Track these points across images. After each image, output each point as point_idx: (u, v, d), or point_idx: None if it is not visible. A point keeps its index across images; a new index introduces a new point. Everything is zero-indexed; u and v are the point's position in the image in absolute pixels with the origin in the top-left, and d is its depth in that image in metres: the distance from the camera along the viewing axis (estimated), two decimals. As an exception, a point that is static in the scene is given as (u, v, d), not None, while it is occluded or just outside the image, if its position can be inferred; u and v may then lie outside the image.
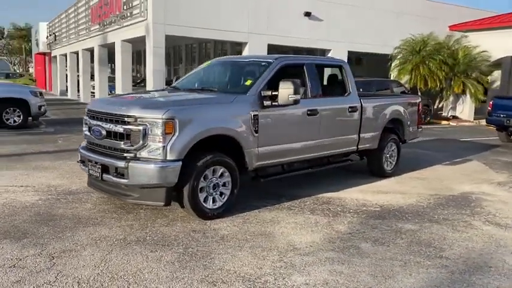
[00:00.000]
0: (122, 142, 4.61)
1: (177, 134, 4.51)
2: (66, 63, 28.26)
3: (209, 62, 6.73)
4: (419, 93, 17.81)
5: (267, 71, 5.53)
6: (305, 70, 5.99)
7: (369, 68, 22.90)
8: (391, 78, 18.80)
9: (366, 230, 4.83)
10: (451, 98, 19.69)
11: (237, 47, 19.00)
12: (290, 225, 4.89)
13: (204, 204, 4.85)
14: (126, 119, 4.59)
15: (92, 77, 23.16)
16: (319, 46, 17.64)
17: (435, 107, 19.37)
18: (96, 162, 4.85)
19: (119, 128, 4.63)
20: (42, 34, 33.10)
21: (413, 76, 17.72)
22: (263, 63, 5.75)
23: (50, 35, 30.69)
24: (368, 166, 7.57)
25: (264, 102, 5.27)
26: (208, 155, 4.81)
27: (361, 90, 14.73)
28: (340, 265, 3.86)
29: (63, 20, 27.41)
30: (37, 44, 35.87)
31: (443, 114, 20.15)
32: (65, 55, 28.21)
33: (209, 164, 4.81)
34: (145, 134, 4.49)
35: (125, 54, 16.82)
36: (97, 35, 20.06)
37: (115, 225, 4.66)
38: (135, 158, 4.55)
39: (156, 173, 4.46)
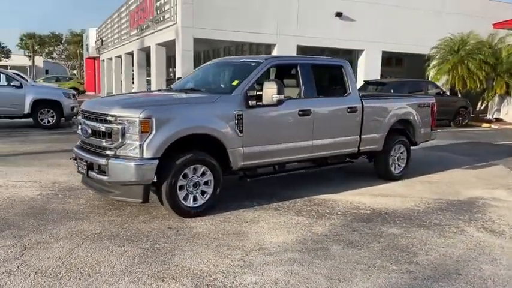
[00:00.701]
0: (104, 140, 4.79)
1: (153, 132, 4.63)
2: (112, 67, 29.48)
3: (208, 63, 6.83)
4: (459, 95, 17.11)
5: (255, 71, 5.55)
6: (299, 70, 5.95)
7: (410, 68, 22.26)
8: (429, 79, 18.15)
9: (345, 232, 4.73)
10: (496, 100, 18.73)
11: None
12: (269, 225, 4.87)
13: (184, 202, 4.93)
14: (107, 118, 4.76)
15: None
16: (351, 47, 17.38)
17: (477, 108, 18.49)
18: (83, 160, 5.06)
19: (101, 127, 4.81)
20: (91, 39, 34.73)
21: (451, 77, 17.03)
22: (253, 64, 5.76)
23: (98, 40, 32.13)
24: (375, 168, 7.38)
25: (250, 102, 5.29)
26: (188, 153, 4.89)
27: (392, 91, 14.47)
28: (299, 266, 3.81)
29: (108, 26, 28.64)
30: (87, 49, 37.67)
31: (487, 117, 19.21)
32: (111, 59, 29.42)
33: (188, 162, 4.88)
34: (124, 133, 4.64)
35: (159, 57, 17.32)
36: (136, 40, 20.79)
37: (97, 220, 4.84)
38: (115, 156, 4.71)
39: (133, 171, 4.59)
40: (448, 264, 3.99)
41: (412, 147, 7.91)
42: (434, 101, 7.94)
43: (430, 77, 18.22)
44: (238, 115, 5.19)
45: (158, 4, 16.02)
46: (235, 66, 6.26)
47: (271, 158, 5.70)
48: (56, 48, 72.62)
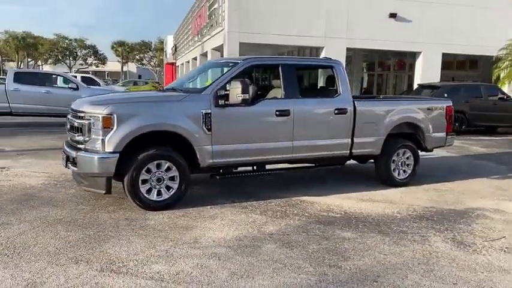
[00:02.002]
0: (77, 135, 5.21)
1: (115, 128, 4.94)
2: (184, 72, 30.97)
3: (203, 64, 7.05)
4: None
5: (229, 72, 5.66)
6: (280, 71, 5.95)
7: (486, 72, 20.71)
8: (495, 82, 16.78)
9: (293, 233, 4.67)
10: None
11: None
12: (223, 221, 4.96)
13: (147, 196, 5.18)
14: (79, 114, 5.18)
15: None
16: (406, 49, 16.67)
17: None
18: (64, 153, 5.53)
19: (75, 123, 5.24)
20: (169, 46, 36.76)
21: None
22: (230, 64, 5.88)
23: (173, 47, 33.94)
24: (376, 173, 7.09)
25: (219, 101, 5.41)
26: (151, 149, 5.14)
27: (445, 95, 13.67)
28: (215, 260, 3.87)
29: (180, 32, 30.15)
30: (165, 55, 39.91)
31: None
32: (183, 64, 30.95)
33: (151, 157, 5.13)
34: (90, 128, 5.02)
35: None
36: (198, 45, 21.71)
37: (69, 208, 5.27)
38: (84, 149, 5.10)
39: (95, 163, 4.95)
40: (373, 270, 3.80)
41: (429, 153, 7.55)
42: (450, 104, 7.41)
43: (495, 80, 16.82)
44: (205, 114, 5.34)
45: (210, 11, 16.63)
46: (218, 66, 6.41)
47: (245, 157, 5.76)
48: (145, 55, 77.66)
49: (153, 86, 31.60)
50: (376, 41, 16.31)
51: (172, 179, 5.31)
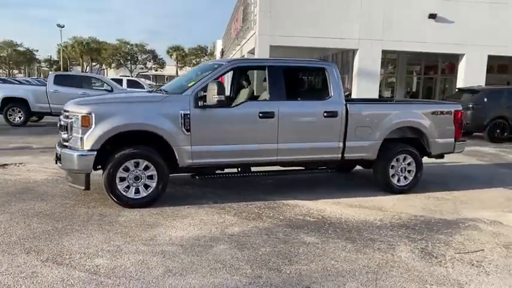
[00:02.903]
0: (63, 133, 5.49)
1: (93, 127, 5.17)
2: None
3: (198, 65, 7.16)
4: None
5: (211, 74, 5.73)
6: (267, 73, 5.94)
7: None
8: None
9: (254, 235, 4.64)
10: None
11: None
12: (192, 221, 5.02)
13: (124, 193, 5.35)
14: (65, 113, 5.46)
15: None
16: (447, 51, 15.91)
17: None
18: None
19: (62, 121, 5.53)
20: (218, 49, 37.53)
21: None
22: (216, 66, 5.94)
23: (221, 50, 34.61)
24: (375, 179, 6.86)
25: (199, 102, 5.50)
26: (129, 148, 5.31)
27: (485, 100, 12.95)
28: (158, 258, 3.94)
29: (227, 36, 30.68)
30: (216, 59, 40.79)
31: None
32: (229, 67, 31.40)
33: (128, 156, 5.30)
34: (72, 126, 5.28)
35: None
36: (238, 49, 21.99)
37: (54, 202, 5.56)
38: (68, 147, 5.37)
39: (74, 160, 5.20)
40: (312, 276, 3.70)
41: (453, 160, 7.19)
42: (460, 108, 7.01)
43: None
44: (184, 114, 5.44)
45: (244, 14, 16.79)
46: (207, 68, 6.47)
47: (227, 159, 5.79)
48: (202, 60, 79.67)
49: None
50: (414, 43, 15.70)
51: (150, 177, 5.45)
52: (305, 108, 6.14)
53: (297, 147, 6.04)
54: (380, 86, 23.62)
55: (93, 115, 5.17)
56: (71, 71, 67.64)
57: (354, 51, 15.85)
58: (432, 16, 15.56)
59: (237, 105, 5.80)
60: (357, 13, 15.24)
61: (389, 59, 22.72)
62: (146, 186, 5.45)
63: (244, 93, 6.77)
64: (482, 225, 5.31)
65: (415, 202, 6.26)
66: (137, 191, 5.42)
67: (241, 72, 6.83)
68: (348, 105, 6.24)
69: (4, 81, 14.78)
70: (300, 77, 6.49)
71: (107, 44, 72.18)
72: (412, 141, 6.84)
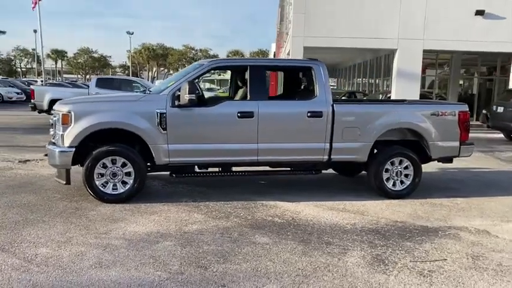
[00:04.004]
0: (51, 130, 5.84)
1: (72, 125, 5.45)
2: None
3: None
4: None
5: (191, 73, 5.83)
6: (248, 72, 5.93)
7: None
8: None
9: (208, 233, 4.65)
10: None
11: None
12: (158, 217, 5.13)
13: (101, 189, 5.58)
14: (53, 112, 5.81)
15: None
16: (496, 49, 14.82)
17: None
18: (48, 146, 6.22)
19: (51, 120, 5.88)
20: (271, 52, 37.72)
21: None
22: (197, 66, 6.03)
23: (274, 53, 34.75)
24: (369, 183, 6.58)
25: (176, 102, 5.61)
26: (106, 145, 5.54)
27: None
28: (95, 249, 4.08)
29: (277, 39, 30.77)
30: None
31: None
32: (281, 70, 31.46)
33: (105, 153, 5.52)
34: (55, 124, 5.60)
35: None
36: (281, 51, 21.99)
37: (45, 195, 5.91)
38: (53, 143, 5.71)
39: (55, 156, 5.51)
40: (234, 275, 3.65)
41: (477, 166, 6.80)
42: (465, 108, 6.54)
43: None
44: (160, 114, 5.57)
45: (281, 16, 16.76)
46: (191, 69, 6.54)
47: (205, 157, 5.85)
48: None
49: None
50: (458, 41, 14.79)
51: (128, 174, 5.63)
52: (286, 108, 6.04)
53: (278, 147, 5.96)
54: (431, 88, 22.54)
55: (72, 113, 5.45)
56: (140, 75, 71.14)
57: (393, 52, 15.24)
58: (479, 13, 14.57)
59: (215, 104, 5.83)
60: (395, 11, 14.65)
61: (443, 59, 21.60)
62: (124, 183, 5.64)
63: (240, 93, 6.79)
64: (464, 234, 4.93)
65: (406, 208, 5.93)
66: (115, 187, 5.62)
67: (238, 72, 6.85)
68: (334, 105, 6.05)
69: (54, 84, 15.87)
70: (284, 77, 6.38)
71: (173, 50, 75.08)
72: (412, 144, 6.48)
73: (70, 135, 5.44)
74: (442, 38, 14.67)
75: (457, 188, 7.23)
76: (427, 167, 7.71)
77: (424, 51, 14.72)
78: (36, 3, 25.33)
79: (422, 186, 7.04)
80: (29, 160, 8.43)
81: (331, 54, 23.49)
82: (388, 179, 6.35)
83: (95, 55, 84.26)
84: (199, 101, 5.84)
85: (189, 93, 5.37)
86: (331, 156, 6.13)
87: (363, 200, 6.21)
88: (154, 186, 6.76)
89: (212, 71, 6.31)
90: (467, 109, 6.56)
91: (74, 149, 5.45)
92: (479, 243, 4.67)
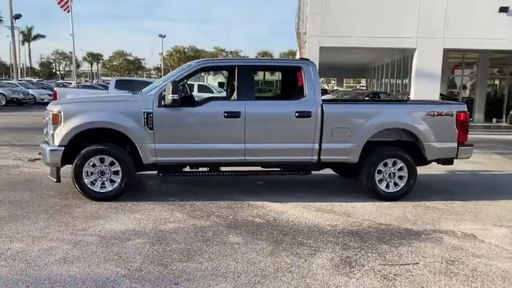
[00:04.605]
0: (45, 130, 6.04)
1: (61, 124, 5.61)
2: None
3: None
4: None
5: (179, 74, 5.89)
6: (236, 72, 5.94)
7: None
8: None
9: (182, 232, 4.69)
10: None
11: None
12: (140, 216, 5.21)
13: (90, 187, 5.72)
14: (46, 111, 6.00)
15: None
16: (521, 48, 14.19)
17: None
18: (45, 145, 6.42)
19: (44, 120, 6.08)
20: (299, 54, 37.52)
21: None
22: (185, 67, 6.09)
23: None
24: (361, 184, 6.46)
25: (162, 102, 5.69)
26: (94, 144, 5.68)
27: None
28: (56, 243, 4.20)
29: (303, 40, 30.58)
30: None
31: None
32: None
33: (93, 152, 5.65)
34: (47, 124, 5.79)
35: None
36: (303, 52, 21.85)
37: (40, 193, 6.10)
38: (46, 142, 5.90)
39: (47, 155, 5.69)
40: (192, 274, 3.67)
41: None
42: (464, 108, 6.32)
43: None
44: (147, 113, 5.66)
45: (298, 16, 16.67)
46: (181, 69, 6.59)
47: (192, 157, 5.89)
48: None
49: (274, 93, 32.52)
50: (482, 40, 14.26)
51: (116, 173, 5.75)
52: (274, 108, 6.01)
53: (266, 148, 5.94)
54: (457, 88, 21.86)
55: (62, 113, 5.61)
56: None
57: (412, 51, 14.87)
58: (503, 9, 14.01)
59: (201, 104, 5.88)
60: (415, 10, 14.28)
61: (471, 58, 20.92)
62: (112, 181, 5.75)
63: (230, 93, 6.81)
64: (447, 238, 4.77)
65: (396, 210, 5.79)
66: (104, 186, 5.74)
67: (232, 73, 6.86)
68: (324, 105, 5.97)
69: (85, 86, 16.33)
70: (273, 77, 6.34)
71: (204, 52, 75.92)
72: (408, 145, 6.32)
73: (60, 134, 5.60)
74: (464, 36, 14.19)
75: (459, 190, 6.99)
76: (434, 169, 7.53)
77: (449, 50, 14.28)
78: (68, 5, 26.18)
79: (422, 188, 6.89)
80: (38, 159, 8.68)
81: (357, 54, 23.20)
82: (381, 181, 6.21)
83: (130, 58, 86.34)
84: (188, 101, 5.91)
85: (172, 93, 5.43)
86: (321, 157, 6.06)
87: (354, 202, 6.11)
88: (150, 185, 6.88)
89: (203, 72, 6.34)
90: (466, 109, 6.33)
91: (63, 148, 5.60)
92: (461, 247, 4.50)
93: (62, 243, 4.27)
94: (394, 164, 6.19)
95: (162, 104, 5.66)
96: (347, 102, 6.68)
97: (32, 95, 25.55)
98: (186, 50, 71.54)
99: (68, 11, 26.72)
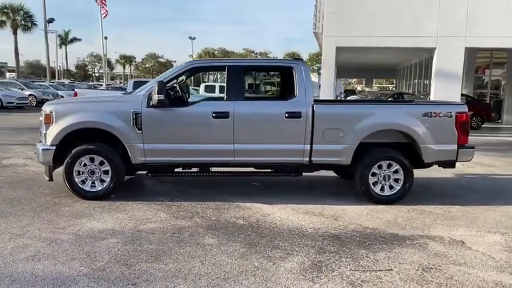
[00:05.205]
0: (40, 129, 6.18)
1: (53, 124, 5.73)
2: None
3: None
4: None
5: (169, 73, 5.91)
6: (226, 72, 5.92)
7: None
8: None
9: (160, 232, 4.69)
10: None
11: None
12: (123, 215, 5.24)
13: (81, 186, 5.81)
14: (41, 111, 6.14)
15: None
16: (550, 46, 13.52)
17: None
18: (43, 145, 6.56)
19: (40, 119, 6.22)
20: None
21: None
22: (177, 67, 6.10)
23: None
24: (355, 187, 6.29)
25: (150, 102, 5.73)
26: (84, 144, 5.76)
27: None
28: (30, 241, 4.25)
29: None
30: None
31: None
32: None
33: (83, 151, 5.74)
34: (41, 124, 5.92)
35: (325, 69, 17.34)
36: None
37: (35, 191, 6.24)
38: (40, 142, 6.04)
39: (40, 154, 5.82)
40: (153, 274, 3.65)
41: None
42: (464, 109, 6.06)
43: None
44: (135, 113, 5.70)
45: (316, 17, 16.47)
46: (172, 69, 6.59)
47: (181, 158, 5.89)
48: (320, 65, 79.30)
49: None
50: (507, 38, 13.66)
51: (106, 172, 5.81)
52: (263, 108, 5.94)
53: (255, 148, 5.87)
54: (485, 89, 21.09)
55: (53, 113, 5.72)
56: (203, 80, 73.10)
57: (432, 51, 14.42)
58: (530, 6, 13.39)
59: (190, 105, 5.87)
60: (435, 8, 13.82)
61: (500, 58, 20.15)
62: (102, 181, 5.82)
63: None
64: (433, 244, 4.57)
65: (387, 214, 5.61)
66: (94, 185, 5.82)
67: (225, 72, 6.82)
68: (315, 105, 5.86)
69: (116, 88, 16.67)
70: (264, 77, 6.28)
71: (234, 54, 76.26)
72: (405, 147, 6.12)
73: (51, 134, 5.71)
74: (487, 34, 13.63)
75: (462, 194, 6.73)
76: (442, 172, 7.28)
77: (472, 49, 13.76)
78: (106, 11, 26.74)
79: (424, 192, 6.72)
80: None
81: (382, 54, 22.74)
82: (375, 183, 6.03)
83: (161, 60, 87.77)
84: (180, 101, 5.91)
85: (157, 94, 5.45)
86: (312, 159, 5.94)
87: (346, 205, 5.96)
88: (146, 185, 6.94)
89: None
90: (466, 110, 6.06)
91: (55, 147, 5.71)
92: (444, 254, 4.31)
93: (38, 240, 4.34)
94: (389, 166, 6.00)
95: (151, 104, 5.68)
96: (340, 102, 6.50)
97: (61, 96, 26.32)
98: (216, 52, 72.06)
99: (104, 17, 27.27)
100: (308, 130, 5.83)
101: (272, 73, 6.51)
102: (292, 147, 5.88)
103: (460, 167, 8.83)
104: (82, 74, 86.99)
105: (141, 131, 5.70)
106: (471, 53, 19.42)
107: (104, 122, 5.68)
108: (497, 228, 5.16)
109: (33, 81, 31.93)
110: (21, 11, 40.34)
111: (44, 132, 5.77)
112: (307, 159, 5.93)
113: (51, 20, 38.12)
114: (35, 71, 78.49)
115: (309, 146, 5.88)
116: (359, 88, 59.39)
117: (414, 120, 5.93)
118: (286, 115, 5.80)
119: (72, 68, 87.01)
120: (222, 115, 5.74)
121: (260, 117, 5.88)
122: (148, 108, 5.70)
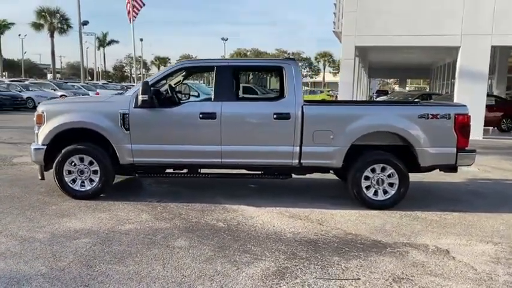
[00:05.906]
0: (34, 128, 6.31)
1: (45, 124, 5.83)
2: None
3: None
4: None
5: (159, 74, 5.91)
6: (215, 73, 5.85)
7: None
8: None
9: (135, 234, 4.67)
10: None
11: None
12: (106, 215, 5.26)
13: (71, 185, 5.89)
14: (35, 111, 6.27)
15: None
16: None
17: None
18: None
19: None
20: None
21: None
22: (167, 68, 6.08)
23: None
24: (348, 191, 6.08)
25: (138, 102, 5.74)
26: (73, 144, 5.84)
27: None
28: (15, 241, 4.32)
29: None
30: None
31: None
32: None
33: (72, 151, 5.81)
34: (35, 124, 6.05)
35: (344, 69, 17.01)
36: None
37: (32, 189, 6.37)
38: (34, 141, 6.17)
39: (32, 153, 5.94)
40: (111, 276, 3.62)
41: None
42: (464, 111, 5.74)
43: None
44: (123, 114, 5.73)
45: (335, 15, 16.13)
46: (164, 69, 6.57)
47: (169, 159, 5.86)
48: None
49: (327, 95, 31.89)
50: (537, 35, 12.96)
51: (95, 172, 5.86)
52: (251, 109, 5.83)
53: (243, 150, 5.78)
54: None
55: (45, 114, 5.83)
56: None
57: (457, 49, 13.84)
58: None
59: (177, 105, 5.84)
60: (459, 5, 13.26)
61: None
62: (91, 180, 5.88)
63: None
64: (414, 253, 4.34)
65: (376, 220, 5.39)
66: (83, 184, 5.88)
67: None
68: (304, 106, 5.70)
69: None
70: (253, 77, 6.14)
71: (266, 54, 76.32)
72: (401, 150, 5.87)
73: (43, 133, 5.81)
74: (515, 32, 12.98)
75: (467, 200, 6.41)
76: (452, 177, 7.00)
77: (508, 48, 13.12)
78: (132, 15, 27.14)
79: (426, 196, 6.51)
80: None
81: (412, 54, 22.13)
82: (368, 187, 5.81)
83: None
84: (170, 102, 5.90)
85: (142, 94, 5.44)
86: (302, 161, 5.78)
87: (337, 209, 5.77)
88: (141, 185, 6.97)
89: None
90: (467, 111, 5.74)
91: (45, 147, 5.81)
92: (423, 264, 4.08)
93: (12, 239, 4.41)
94: (383, 169, 5.76)
95: (138, 104, 5.68)
96: (330, 103, 6.30)
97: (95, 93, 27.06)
98: (248, 53, 72.29)
99: (133, 21, 27.64)
100: (297, 132, 5.68)
101: (263, 74, 6.39)
102: (281, 149, 5.74)
103: (476, 171, 8.46)
104: (119, 75, 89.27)
105: (128, 132, 5.71)
106: (503, 52, 18.58)
107: (92, 122, 5.73)
108: (491, 237, 4.85)
109: (66, 82, 33.01)
110: (58, 14, 41.76)
111: (36, 131, 5.88)
112: (297, 161, 5.78)
113: (85, 23, 39.25)
114: (76, 72, 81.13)
115: (298, 148, 5.73)
116: (396, 88, 58.03)
117: (408, 122, 5.67)
118: (275, 116, 5.67)
119: (110, 70, 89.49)
120: (209, 116, 5.68)
121: (248, 118, 5.78)
122: (136, 109, 5.70)
